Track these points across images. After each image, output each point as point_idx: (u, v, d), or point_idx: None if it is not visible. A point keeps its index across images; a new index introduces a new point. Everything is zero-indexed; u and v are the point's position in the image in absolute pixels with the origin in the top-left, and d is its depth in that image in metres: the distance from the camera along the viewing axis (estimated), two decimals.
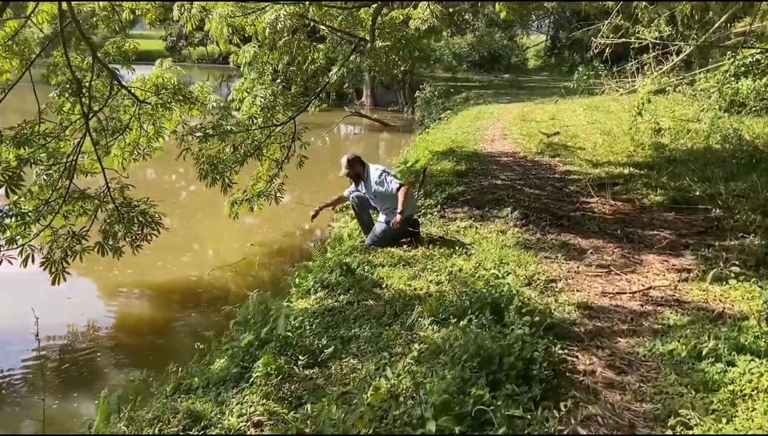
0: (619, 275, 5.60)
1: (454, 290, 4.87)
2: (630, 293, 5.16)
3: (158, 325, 6.60)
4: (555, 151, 11.72)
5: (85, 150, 8.13)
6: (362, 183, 6.88)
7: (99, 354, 6.23)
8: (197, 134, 8.30)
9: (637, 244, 6.50)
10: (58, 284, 5.44)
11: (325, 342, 4.19)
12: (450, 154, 11.65)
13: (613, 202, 8.12)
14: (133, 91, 7.32)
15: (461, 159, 11.12)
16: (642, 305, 4.88)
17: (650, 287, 5.23)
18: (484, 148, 12.72)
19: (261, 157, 8.95)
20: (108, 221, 7.20)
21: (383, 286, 5.37)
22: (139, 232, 7.41)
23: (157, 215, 7.50)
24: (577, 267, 5.81)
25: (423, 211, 8.02)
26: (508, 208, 7.77)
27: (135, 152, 8.29)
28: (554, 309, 4.64)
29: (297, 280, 5.84)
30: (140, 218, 7.41)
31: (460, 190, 9.01)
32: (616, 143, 11.77)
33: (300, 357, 3.90)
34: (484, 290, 4.49)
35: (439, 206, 8.15)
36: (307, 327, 4.36)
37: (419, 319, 4.46)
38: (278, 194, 8.59)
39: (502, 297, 4.37)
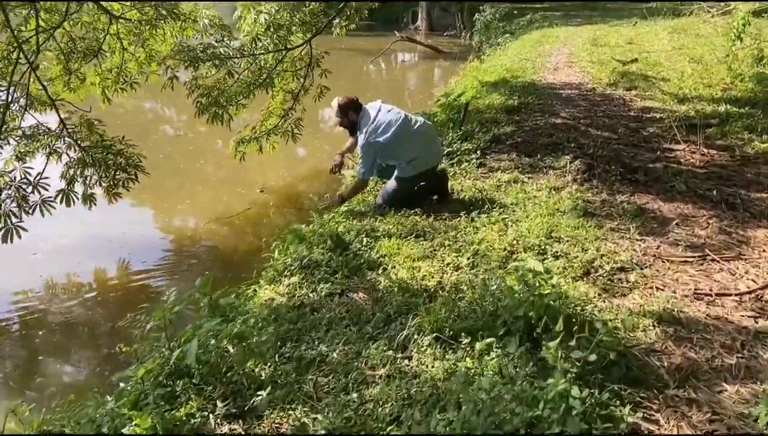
0: (718, 261, 3.95)
1: (474, 286, 3.38)
2: (736, 293, 3.53)
3: (120, 297, 5.43)
4: (631, 82, 9.72)
5: (53, 76, 6.89)
6: (358, 135, 5.39)
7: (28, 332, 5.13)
8: (183, 58, 6.85)
9: (741, 212, 4.77)
10: (11, 241, 4.35)
11: (268, 371, 2.81)
12: (502, 86, 9.83)
13: (705, 151, 6.27)
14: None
15: (514, 91, 9.32)
16: (756, 317, 3.28)
17: (766, 286, 3.59)
18: (543, 77, 10.79)
19: (272, 87, 7.52)
20: (70, 164, 6.00)
21: (382, 269, 3.93)
22: (115, 177, 6.25)
23: (136, 157, 6.29)
24: (657, 247, 4.18)
25: (458, 157, 6.43)
26: (567, 157, 6.09)
27: (121, 80, 6.97)
28: (622, 321, 3.10)
29: (276, 253, 4.46)
30: (115, 161, 6.23)
31: (508, 131, 7.33)
32: (709, 74, 9.64)
33: (219, 402, 2.54)
34: (517, 291, 2.97)
35: (479, 152, 6.53)
36: (255, 338, 2.99)
37: (417, 335, 3.02)
38: (295, 131, 7.20)
39: (542, 307, 2.86)
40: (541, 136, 7.11)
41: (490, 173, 6.02)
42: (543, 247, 4.05)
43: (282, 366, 2.83)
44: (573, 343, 2.58)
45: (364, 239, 4.29)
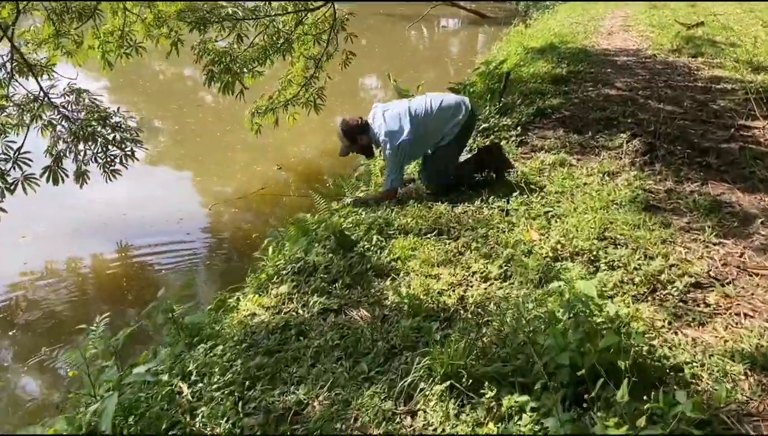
0: None
1: (505, 309, 2.62)
2: None
3: (107, 292, 4.85)
4: (697, 48, 8.60)
5: (43, 38, 6.31)
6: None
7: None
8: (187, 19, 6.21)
9: None
10: None
11: (224, 429, 2.12)
12: (549, 52, 8.84)
13: None
14: None
15: (563, 59, 8.33)
16: None
17: None
18: (596, 43, 9.74)
19: (290, 53, 6.80)
20: (56, 138, 5.48)
21: (391, 277, 3.19)
22: (112, 153, 5.71)
23: (133, 132, 5.74)
24: (741, 254, 3.32)
25: (495, 134, 5.60)
26: (624, 135, 5.20)
27: (125, 44, 6.36)
28: (703, 369, 2.31)
29: (270, 250, 3.74)
30: (110, 135, 5.70)
31: (554, 103, 6.43)
32: None
33: None
34: (562, 326, 2.19)
35: (519, 128, 5.68)
36: (216, 375, 2.31)
37: (426, 380, 2.28)
38: (318, 101, 6.51)
39: (596, 354, 2.07)
40: (593, 110, 6.19)
41: (533, 154, 5.18)
42: (595, 252, 3.24)
43: (242, 421, 2.14)
44: (640, 407, 1.81)
45: (375, 237, 3.55)
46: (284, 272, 3.32)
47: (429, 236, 3.63)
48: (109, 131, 5.85)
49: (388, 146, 4.35)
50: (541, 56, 8.62)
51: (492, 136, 5.50)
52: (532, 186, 4.30)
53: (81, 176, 5.91)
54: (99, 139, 5.84)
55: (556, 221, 3.73)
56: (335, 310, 2.89)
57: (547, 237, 3.49)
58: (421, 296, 2.86)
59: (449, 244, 3.51)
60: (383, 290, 3.04)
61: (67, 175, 5.51)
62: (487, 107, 6.16)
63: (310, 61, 6.73)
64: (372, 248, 3.47)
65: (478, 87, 7.28)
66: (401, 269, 3.26)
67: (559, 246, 3.29)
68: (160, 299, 2.74)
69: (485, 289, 2.99)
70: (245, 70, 6.63)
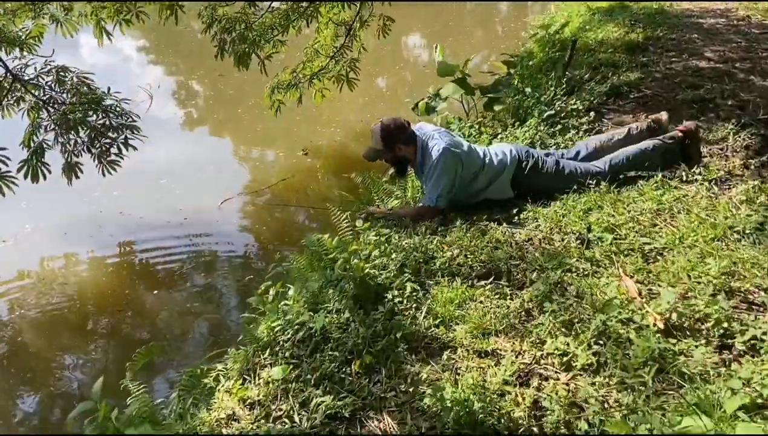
0: None
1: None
2: None
3: (91, 309, 4.07)
4: None
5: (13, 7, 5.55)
6: (417, 167, 3.69)
7: None
8: None
9: None
10: None
11: None
12: (619, 13, 7.56)
13: None
14: None
15: (637, 21, 7.06)
16: None
17: None
18: (675, 2, 8.38)
19: (316, 18, 5.94)
20: (35, 126, 4.78)
21: (432, 350, 2.26)
22: (107, 142, 4.96)
23: (129, 117, 4.97)
24: None
25: (561, 122, 4.53)
26: (728, 125, 4.08)
27: (124, 9, 5.54)
28: None
29: (262, 299, 2.79)
30: (101, 121, 4.94)
31: (631, 79, 5.29)
32: None
33: None
34: None
35: (592, 113, 4.60)
36: None
37: None
38: (350, 75, 5.65)
39: None
40: (681, 88, 5.03)
41: None
42: (725, 322, 2.23)
43: None
44: None
45: (409, 285, 2.60)
46: (282, 338, 2.41)
47: (483, 282, 2.67)
48: (101, 117, 5.06)
49: (442, 155, 3.41)
50: (610, 18, 7.37)
51: (559, 126, 4.43)
52: (614, 198, 3.28)
53: (71, 170, 5.15)
54: (89, 127, 5.09)
55: (658, 261, 2.72)
56: (347, 418, 1.98)
57: (650, 291, 2.49)
58: (473, 400, 1.92)
59: (511, 297, 2.55)
60: (419, 379, 2.11)
61: (49, 171, 4.81)
62: (550, 86, 5.06)
63: (341, 28, 5.80)
64: (405, 302, 2.53)
65: (537, 57, 6.16)
66: (445, 340, 2.31)
67: (671, 311, 2.29)
68: (95, 392, 1.87)
69: (568, 385, 2.03)
70: (264, 39, 5.72)
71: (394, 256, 2.83)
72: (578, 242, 2.92)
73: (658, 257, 2.76)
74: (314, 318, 2.40)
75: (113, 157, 5.02)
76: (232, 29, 5.46)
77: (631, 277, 2.61)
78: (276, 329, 2.46)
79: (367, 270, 2.57)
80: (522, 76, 5.37)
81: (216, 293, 4.18)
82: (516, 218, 3.28)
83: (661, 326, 2.24)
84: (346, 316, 2.44)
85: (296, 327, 2.41)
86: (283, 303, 2.68)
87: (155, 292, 4.20)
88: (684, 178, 3.47)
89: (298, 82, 5.84)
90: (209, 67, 8.73)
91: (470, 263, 2.81)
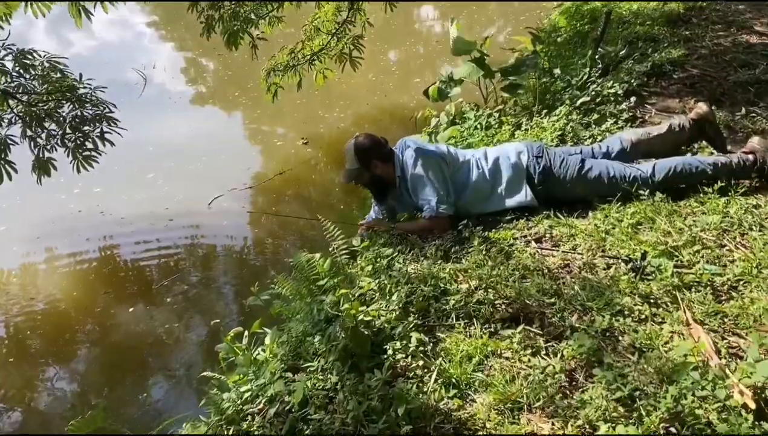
0: None
1: None
2: None
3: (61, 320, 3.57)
4: None
5: None
6: (394, 193, 3.18)
7: None
8: None
9: None
10: None
11: None
12: None
13: None
14: None
15: None
16: None
17: None
18: None
19: None
20: None
21: (444, 433, 1.71)
22: (81, 136, 4.45)
23: (105, 108, 4.44)
24: None
25: (597, 108, 3.89)
26: None
27: None
28: None
29: (232, 347, 2.22)
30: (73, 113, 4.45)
31: (674, 56, 4.61)
32: None
33: None
34: None
35: (633, 98, 3.96)
36: None
37: None
38: (354, 54, 5.12)
39: None
40: (733, 68, 4.36)
41: None
42: None
43: None
44: None
45: (414, 335, 2.03)
46: (252, 410, 1.86)
47: (508, 328, 2.09)
48: (73, 108, 4.54)
49: (417, 155, 3.00)
50: None
51: (595, 114, 3.80)
52: (669, 209, 2.68)
53: (42, 168, 4.68)
54: (62, 118, 4.60)
55: (733, 298, 2.12)
56: None
57: (729, 346, 1.90)
58: None
59: (546, 352, 1.97)
60: None
61: (15, 170, 4.35)
62: (581, 65, 4.40)
63: (343, 3, 5.27)
64: (409, 358, 1.96)
65: (564, 31, 5.48)
66: (461, 418, 1.75)
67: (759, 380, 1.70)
68: None
69: None
70: (257, 15, 5.19)
71: (395, 293, 2.24)
72: (629, 270, 2.32)
73: (732, 293, 2.17)
74: (293, 386, 1.84)
75: (89, 151, 4.54)
76: (221, 5, 4.90)
77: (702, 323, 2.02)
78: (245, 397, 1.91)
79: (361, 317, 2.00)
80: (548, 54, 4.72)
81: (195, 314, 3.65)
82: (547, 234, 2.69)
83: (752, 405, 1.66)
84: (334, 380, 1.88)
85: (269, 396, 1.86)
86: (257, 352, 2.13)
87: (130, 310, 3.68)
88: (751, 183, 2.85)
89: (297, 63, 5.28)
90: (208, 46, 8.14)
91: (492, 299, 2.23)
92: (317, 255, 2.73)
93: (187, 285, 3.83)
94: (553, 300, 2.19)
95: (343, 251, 2.79)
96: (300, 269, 2.72)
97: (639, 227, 2.64)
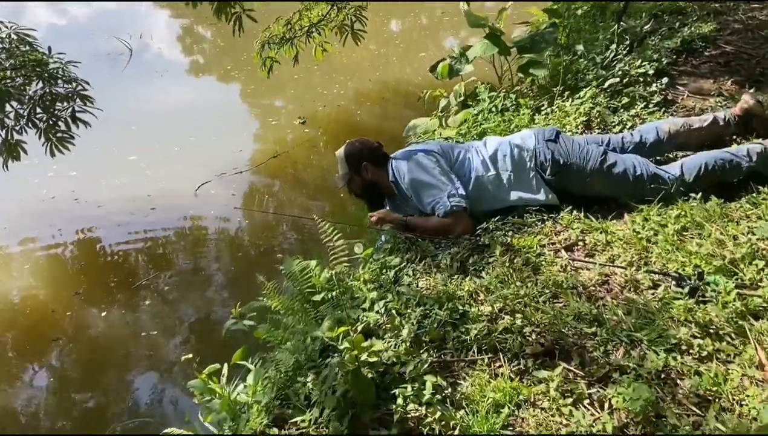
0: None
1: None
2: None
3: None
4: None
5: None
6: (392, 203, 2.85)
7: None
8: None
9: None
10: None
11: None
12: None
13: None
14: None
15: None
16: None
17: None
18: None
19: None
20: None
21: None
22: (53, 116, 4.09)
23: (78, 85, 4.06)
24: None
25: (624, 91, 3.49)
26: None
27: None
28: None
29: (206, 385, 1.87)
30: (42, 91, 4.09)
31: (705, 31, 4.20)
32: None
33: None
34: None
35: (665, 79, 3.56)
36: None
37: None
38: (356, 26, 4.72)
39: None
40: None
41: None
42: None
43: None
44: None
45: (428, 380, 1.66)
46: None
47: (542, 366, 1.74)
48: (43, 85, 4.14)
49: (408, 154, 2.74)
50: None
51: (624, 97, 3.40)
52: (719, 212, 2.31)
53: (11, 151, 4.33)
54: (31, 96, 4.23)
55: None
56: None
57: None
58: None
59: (590, 400, 1.61)
60: None
61: None
62: (609, 42, 3.98)
63: None
64: (422, 411, 1.61)
65: (583, 4, 5.05)
66: None
67: None
68: None
69: None
70: None
71: (406, 326, 1.87)
72: (681, 290, 1.96)
73: None
74: None
75: (63, 133, 4.16)
76: None
77: None
78: None
79: (365, 356, 1.63)
80: (569, 28, 4.29)
81: (175, 321, 3.29)
82: (579, 242, 2.32)
83: None
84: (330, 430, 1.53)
85: None
86: (237, 392, 1.77)
87: (102, 314, 3.32)
88: None
89: (294, 35, 4.86)
90: (202, 14, 7.67)
91: (520, 326, 1.87)
92: (312, 263, 2.36)
93: (167, 285, 3.47)
94: (593, 330, 1.83)
95: (343, 260, 2.42)
96: (292, 278, 2.36)
97: (685, 233, 2.27)
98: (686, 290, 1.93)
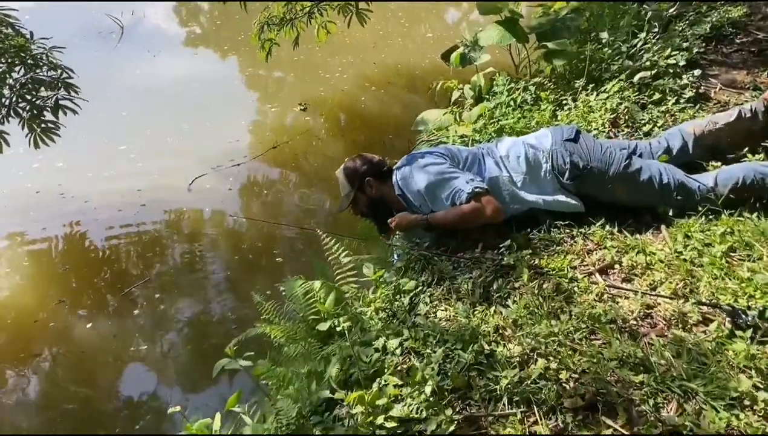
0: None
1: None
2: None
3: None
4: None
5: None
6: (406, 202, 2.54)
7: None
8: None
9: None
10: None
11: None
12: None
13: None
14: None
15: None
16: None
17: None
18: None
19: None
20: None
21: None
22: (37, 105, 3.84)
23: (63, 72, 3.83)
24: None
25: (652, 84, 3.21)
26: None
27: None
28: None
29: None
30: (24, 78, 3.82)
31: (735, 16, 3.93)
32: None
33: None
34: None
35: (696, 71, 3.28)
36: None
37: None
38: (361, 6, 4.37)
39: None
40: None
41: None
42: None
43: None
44: None
45: None
46: None
47: (583, 422, 1.51)
48: (24, 72, 3.88)
49: (416, 157, 2.50)
50: None
51: (652, 91, 3.13)
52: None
53: None
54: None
55: None
56: None
57: None
58: None
59: None
60: None
61: None
62: (642, 30, 3.69)
63: None
64: None
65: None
66: None
67: None
68: None
69: None
70: None
71: (429, 382, 1.63)
72: (733, 324, 1.73)
73: None
74: None
75: (48, 124, 3.90)
76: None
77: None
78: None
79: (381, 419, 1.40)
80: (591, 13, 3.99)
81: (168, 334, 3.05)
82: (616, 265, 2.07)
83: None
84: None
85: None
86: None
87: (88, 325, 3.08)
88: None
89: (295, 16, 4.59)
90: None
91: (555, 370, 1.63)
92: (316, 285, 2.13)
93: (159, 293, 3.23)
94: (640, 378, 1.60)
95: (351, 280, 2.19)
96: (294, 300, 2.13)
97: (733, 254, 2.03)
98: (744, 328, 1.70)
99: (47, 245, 3.63)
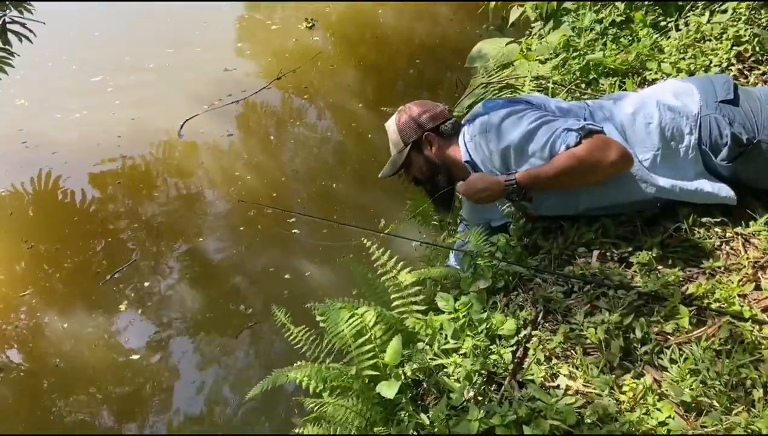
0: None
1: None
2: None
3: None
4: None
5: None
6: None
7: None
8: None
9: None
10: None
11: None
12: None
13: None
14: None
15: None
16: None
17: None
18: None
19: None
20: None
21: None
22: None
23: None
24: None
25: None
26: None
27: None
28: None
29: None
30: None
31: None
32: None
33: None
34: None
35: None
36: None
37: None
38: None
39: None
40: None
41: None
42: None
43: None
44: None
45: None
46: None
47: None
48: None
49: (500, 124, 1.70)
50: None
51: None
52: None
53: None
54: None
55: None
56: None
57: None
58: None
59: None
60: None
61: None
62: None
63: None
64: None
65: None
66: None
67: None
68: None
69: None
70: None
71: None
72: None
73: None
74: None
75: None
76: None
77: None
78: None
79: None
80: None
81: (157, 334, 2.44)
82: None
83: None
84: None
85: None
86: None
87: (64, 326, 2.45)
88: None
89: None
90: None
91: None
92: (368, 316, 1.49)
93: (147, 281, 2.58)
94: None
95: (415, 308, 1.55)
96: (339, 339, 1.51)
97: None
98: None
99: (6, 212, 2.93)
